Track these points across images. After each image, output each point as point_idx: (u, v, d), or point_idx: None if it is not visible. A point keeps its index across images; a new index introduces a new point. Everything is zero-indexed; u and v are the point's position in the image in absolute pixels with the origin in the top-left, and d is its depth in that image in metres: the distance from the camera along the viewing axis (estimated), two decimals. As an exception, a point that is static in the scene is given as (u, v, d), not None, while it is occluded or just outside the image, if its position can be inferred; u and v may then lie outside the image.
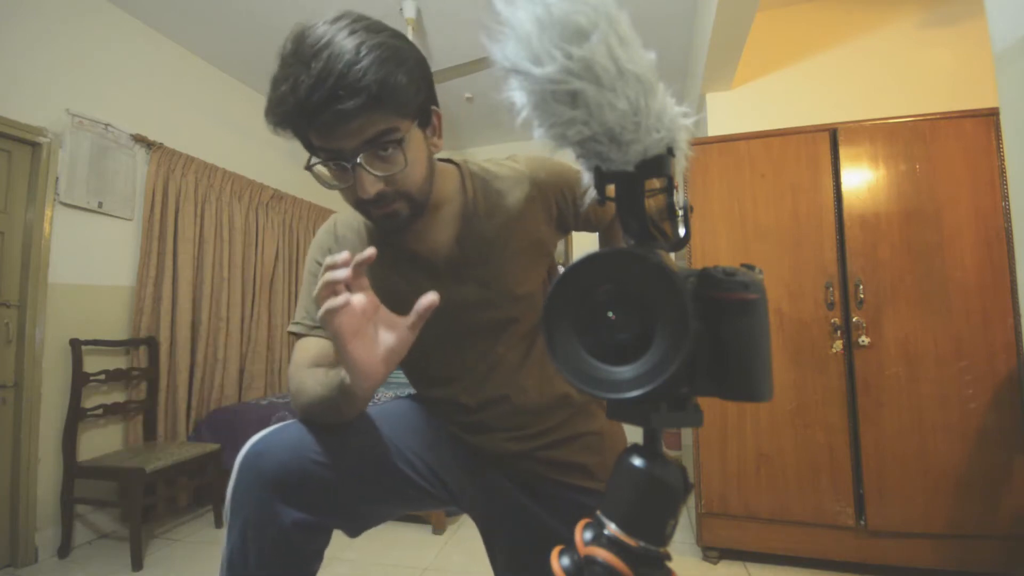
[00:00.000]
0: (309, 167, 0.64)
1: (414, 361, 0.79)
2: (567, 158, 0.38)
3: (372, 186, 0.61)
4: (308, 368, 0.70)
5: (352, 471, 0.67)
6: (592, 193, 0.36)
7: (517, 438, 0.77)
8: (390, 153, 0.62)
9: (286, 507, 0.61)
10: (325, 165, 0.63)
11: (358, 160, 0.60)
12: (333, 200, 4.06)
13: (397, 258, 0.77)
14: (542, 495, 0.78)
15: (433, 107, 0.69)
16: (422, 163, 0.67)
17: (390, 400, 0.87)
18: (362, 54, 0.56)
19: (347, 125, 0.57)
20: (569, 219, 0.80)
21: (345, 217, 0.84)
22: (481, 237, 0.75)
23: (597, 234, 0.91)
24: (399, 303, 0.76)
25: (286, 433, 0.66)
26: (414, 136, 0.65)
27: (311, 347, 0.74)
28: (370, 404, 0.76)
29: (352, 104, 0.56)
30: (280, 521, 0.61)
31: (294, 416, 0.71)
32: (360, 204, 0.65)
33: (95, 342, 2.24)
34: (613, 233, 0.89)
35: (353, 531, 0.74)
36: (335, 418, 0.66)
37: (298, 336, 0.77)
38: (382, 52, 0.57)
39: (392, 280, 0.76)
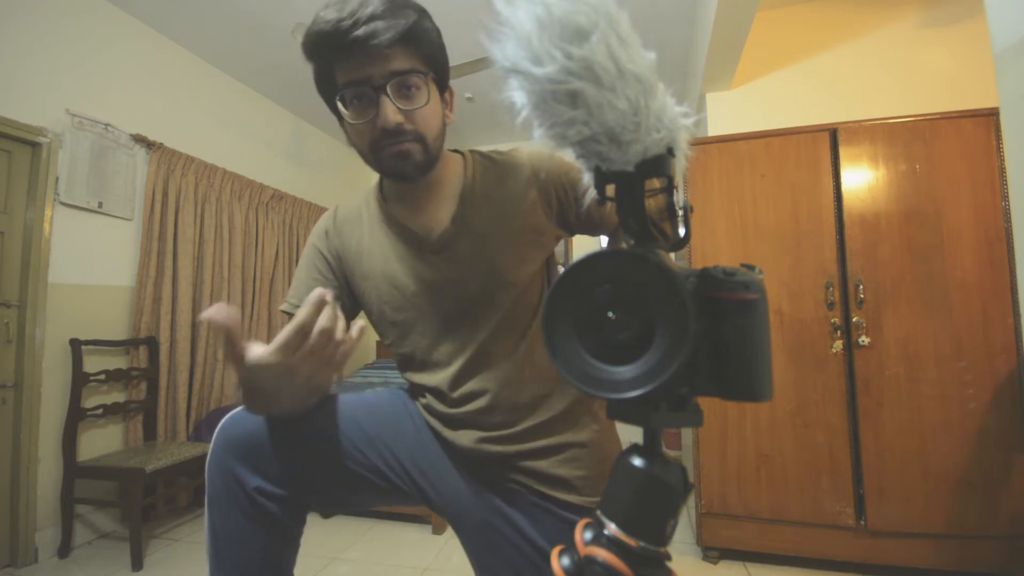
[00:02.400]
0: (331, 100, 0.69)
1: (406, 343, 0.79)
2: (567, 158, 0.38)
3: (394, 115, 0.65)
4: None
5: (318, 449, 0.70)
6: (592, 193, 0.36)
7: (496, 439, 0.75)
8: (413, 91, 0.67)
9: (249, 474, 0.66)
10: (346, 102, 0.67)
11: (386, 88, 0.65)
12: (333, 200, 4.06)
13: (392, 235, 0.78)
14: (522, 504, 0.75)
15: (448, 83, 0.74)
16: (439, 116, 0.72)
17: (377, 391, 0.87)
18: (401, 3, 0.65)
19: (380, 51, 0.63)
20: (570, 216, 0.79)
21: (346, 205, 0.85)
22: (476, 218, 0.75)
23: (597, 237, 0.90)
24: (392, 279, 0.77)
25: None
26: (434, 90, 0.71)
27: None
28: (362, 391, 0.79)
29: (392, 27, 0.62)
30: (244, 487, 0.65)
31: None
32: (376, 141, 0.68)
33: (95, 342, 2.24)
34: (620, 236, 0.88)
35: (323, 510, 0.79)
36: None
37: (287, 315, 0.79)
38: (419, 6, 0.68)
39: (387, 257, 0.78)
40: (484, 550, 0.77)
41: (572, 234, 0.83)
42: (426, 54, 0.68)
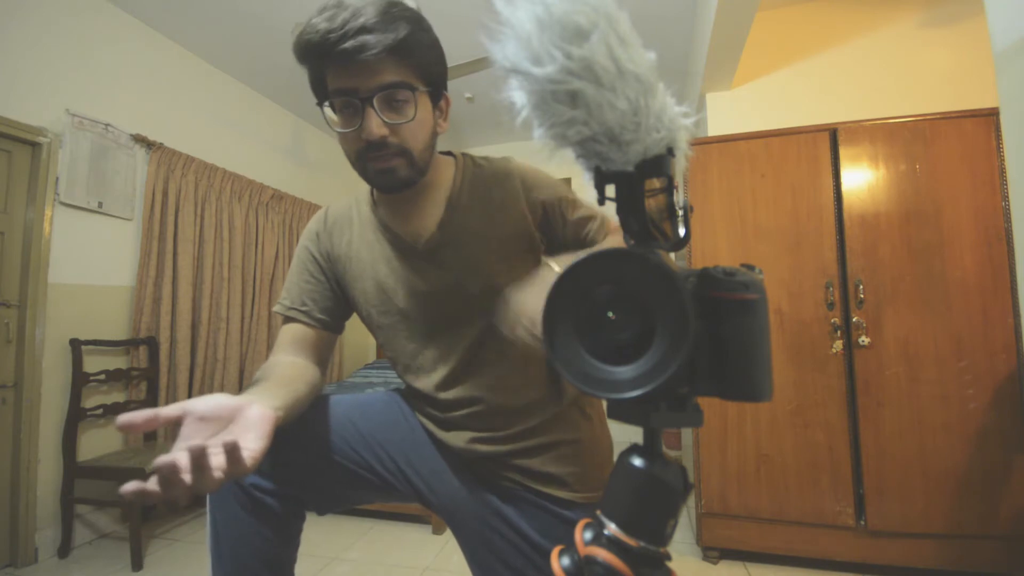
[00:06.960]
0: (320, 104, 0.68)
1: (392, 346, 0.81)
2: (567, 158, 0.38)
3: (378, 129, 0.65)
4: (278, 354, 0.76)
5: (310, 446, 0.71)
6: (591, 193, 0.36)
7: (488, 440, 0.76)
8: (401, 104, 0.66)
9: None
10: (335, 108, 0.67)
11: (372, 101, 0.64)
12: (333, 200, 4.05)
13: (381, 239, 0.78)
14: (516, 501, 0.76)
15: (444, 92, 0.73)
16: (427, 129, 0.71)
17: (373, 392, 0.89)
18: (397, 11, 0.63)
19: (370, 63, 0.62)
20: (557, 228, 0.78)
21: (337, 207, 0.86)
22: (463, 225, 0.75)
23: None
24: (380, 284, 0.78)
25: None
26: (425, 102, 0.69)
27: (288, 332, 0.79)
28: (362, 391, 0.80)
29: (382, 41, 0.61)
30: (240, 481, 0.67)
31: None
32: (362, 153, 0.68)
33: (95, 342, 2.24)
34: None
35: (318, 507, 0.77)
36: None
37: (282, 317, 0.82)
38: (415, 16, 0.65)
39: (376, 261, 0.78)
40: (480, 547, 0.78)
41: (552, 246, 0.80)
42: (418, 66, 0.67)
